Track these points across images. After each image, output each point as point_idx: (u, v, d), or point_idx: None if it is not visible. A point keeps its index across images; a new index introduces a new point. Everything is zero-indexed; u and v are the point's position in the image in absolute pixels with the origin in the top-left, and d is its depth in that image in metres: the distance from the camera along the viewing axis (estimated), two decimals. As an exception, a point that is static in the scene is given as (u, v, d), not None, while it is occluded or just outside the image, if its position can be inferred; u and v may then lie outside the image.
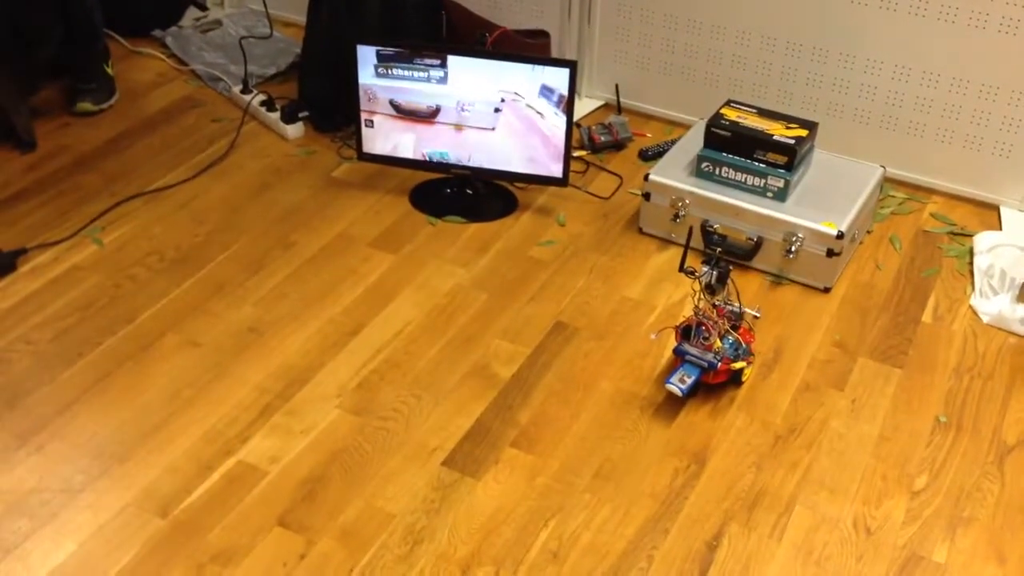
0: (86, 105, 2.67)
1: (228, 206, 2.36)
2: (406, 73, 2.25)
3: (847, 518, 1.66)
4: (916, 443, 1.80)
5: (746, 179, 2.16)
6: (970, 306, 2.11)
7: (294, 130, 2.62)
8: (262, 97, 2.68)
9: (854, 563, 1.59)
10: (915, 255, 2.26)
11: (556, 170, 2.29)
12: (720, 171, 2.19)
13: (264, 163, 2.53)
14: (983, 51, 2.24)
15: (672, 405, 1.86)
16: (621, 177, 2.49)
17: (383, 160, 2.39)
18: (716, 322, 1.82)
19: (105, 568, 1.54)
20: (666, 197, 2.22)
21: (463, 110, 2.27)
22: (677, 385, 1.80)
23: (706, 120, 2.22)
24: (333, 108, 2.62)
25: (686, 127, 2.53)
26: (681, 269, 1.82)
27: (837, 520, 1.66)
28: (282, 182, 2.46)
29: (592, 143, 2.58)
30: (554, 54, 2.70)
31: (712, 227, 2.19)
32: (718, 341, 1.82)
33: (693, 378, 1.81)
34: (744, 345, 1.86)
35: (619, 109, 2.76)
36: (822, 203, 2.14)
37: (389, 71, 2.25)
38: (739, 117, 2.19)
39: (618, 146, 2.61)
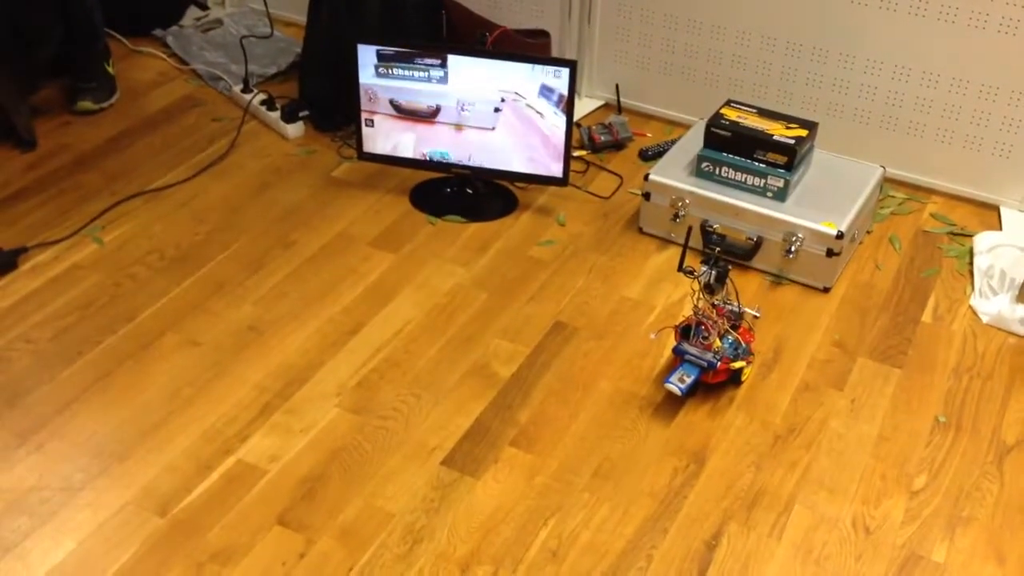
0: (86, 104, 2.67)
1: (228, 205, 2.37)
2: (406, 73, 2.25)
3: (846, 517, 1.66)
4: (915, 443, 1.80)
5: (746, 179, 2.17)
6: (970, 306, 2.11)
7: (294, 129, 2.62)
8: (262, 96, 2.68)
9: (853, 562, 1.59)
10: (915, 255, 2.26)
11: (556, 170, 2.29)
12: (720, 171, 2.19)
13: (264, 162, 2.53)
14: (983, 51, 2.25)
15: (671, 404, 1.86)
16: (621, 177, 2.49)
17: (383, 160, 2.39)
18: (715, 322, 1.82)
19: (104, 566, 1.54)
20: (666, 197, 2.22)
21: (463, 110, 2.27)
22: (676, 385, 1.80)
23: (706, 120, 2.22)
24: (333, 108, 2.62)
25: (686, 127, 2.53)
26: (680, 269, 1.83)
27: (836, 519, 1.66)
28: (282, 181, 2.46)
29: (592, 143, 2.58)
30: (554, 54, 2.70)
31: (712, 227, 2.19)
32: (717, 341, 1.82)
33: (692, 378, 1.81)
34: (744, 345, 1.86)
35: (619, 109, 2.76)
36: (822, 203, 2.14)
37: (389, 71, 2.25)
38: (739, 117, 2.19)
39: (618, 146, 2.61)
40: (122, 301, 2.07)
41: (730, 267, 1.83)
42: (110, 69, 2.76)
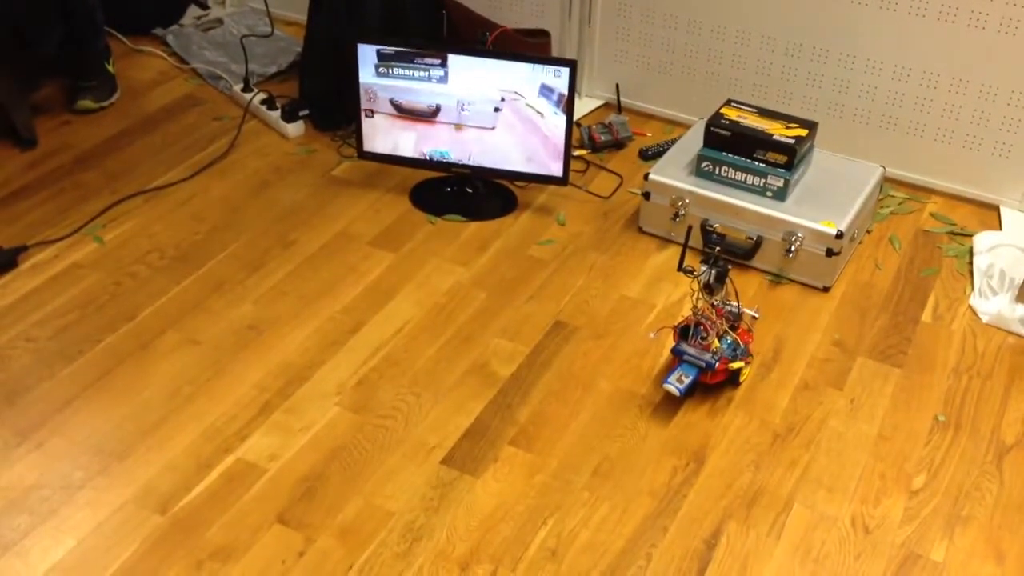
0: (87, 103, 2.68)
1: (228, 204, 2.37)
2: (406, 72, 2.25)
3: (845, 517, 1.66)
4: (915, 442, 1.80)
5: (746, 178, 2.17)
6: (969, 306, 2.11)
7: (294, 129, 2.62)
8: (263, 96, 2.68)
9: (852, 561, 1.59)
10: (915, 255, 2.26)
11: (556, 169, 2.29)
12: (720, 170, 2.19)
13: (264, 161, 2.53)
14: (983, 51, 2.25)
15: (670, 404, 1.86)
16: (621, 176, 2.49)
17: (383, 159, 2.39)
18: (714, 322, 1.82)
19: (104, 565, 1.55)
20: (666, 196, 2.23)
21: (463, 109, 2.27)
22: (675, 385, 1.80)
23: (706, 120, 2.22)
24: (333, 107, 2.62)
25: (686, 126, 2.53)
26: (680, 268, 1.83)
27: (835, 519, 1.66)
28: (282, 180, 2.46)
29: (592, 142, 2.59)
30: (554, 53, 2.70)
31: (711, 226, 2.19)
32: (716, 341, 1.82)
33: (691, 378, 1.81)
34: (742, 345, 1.86)
35: (619, 108, 2.76)
36: (822, 203, 2.15)
37: (389, 70, 2.26)
38: (739, 117, 2.20)
39: (618, 145, 2.61)
40: (122, 300, 2.07)
41: (730, 266, 1.83)
42: (110, 68, 2.76)
